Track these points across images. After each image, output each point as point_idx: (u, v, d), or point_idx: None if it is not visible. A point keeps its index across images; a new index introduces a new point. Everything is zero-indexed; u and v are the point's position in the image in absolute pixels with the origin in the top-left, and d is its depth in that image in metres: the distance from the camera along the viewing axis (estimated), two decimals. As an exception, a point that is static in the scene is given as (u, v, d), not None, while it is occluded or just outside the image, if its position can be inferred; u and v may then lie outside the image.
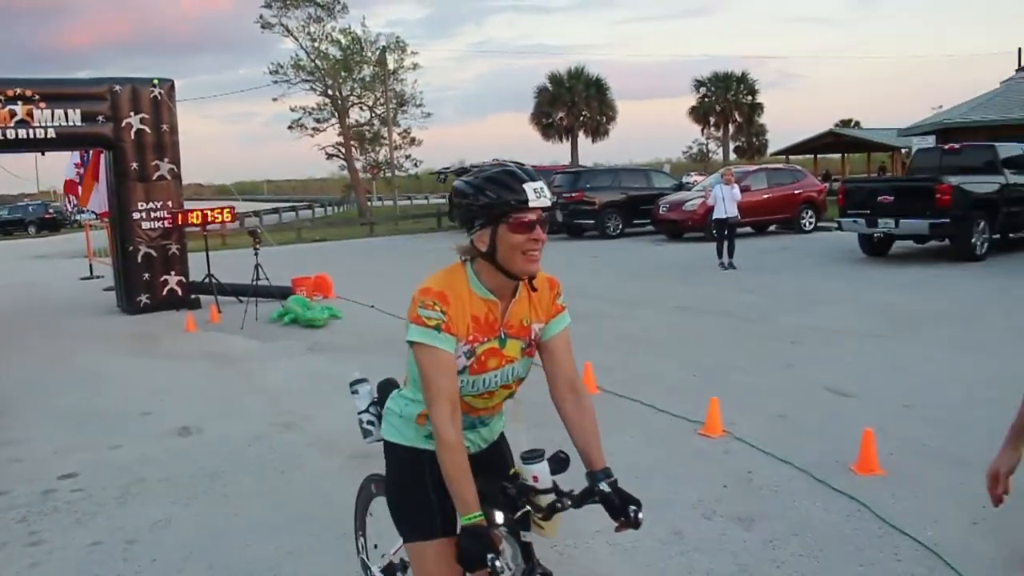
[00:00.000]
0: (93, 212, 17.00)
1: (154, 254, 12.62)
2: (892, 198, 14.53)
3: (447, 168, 34.07)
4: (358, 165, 43.31)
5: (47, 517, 4.84)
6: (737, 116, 56.65)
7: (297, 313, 10.94)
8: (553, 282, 2.51)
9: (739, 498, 4.61)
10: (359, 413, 3.03)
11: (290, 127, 41.94)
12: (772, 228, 22.21)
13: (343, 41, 40.31)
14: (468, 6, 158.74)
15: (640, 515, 2.27)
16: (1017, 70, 31.37)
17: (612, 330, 9.68)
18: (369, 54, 41.21)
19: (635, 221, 23.24)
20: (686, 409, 6.09)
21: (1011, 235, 15.00)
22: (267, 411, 6.86)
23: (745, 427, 5.82)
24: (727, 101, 55.62)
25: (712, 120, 57.73)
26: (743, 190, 17.33)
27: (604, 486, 2.31)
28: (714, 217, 15.97)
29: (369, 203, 43.80)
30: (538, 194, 2.22)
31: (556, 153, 70.59)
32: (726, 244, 15.33)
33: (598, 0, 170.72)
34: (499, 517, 2.31)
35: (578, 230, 23.23)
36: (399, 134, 43.09)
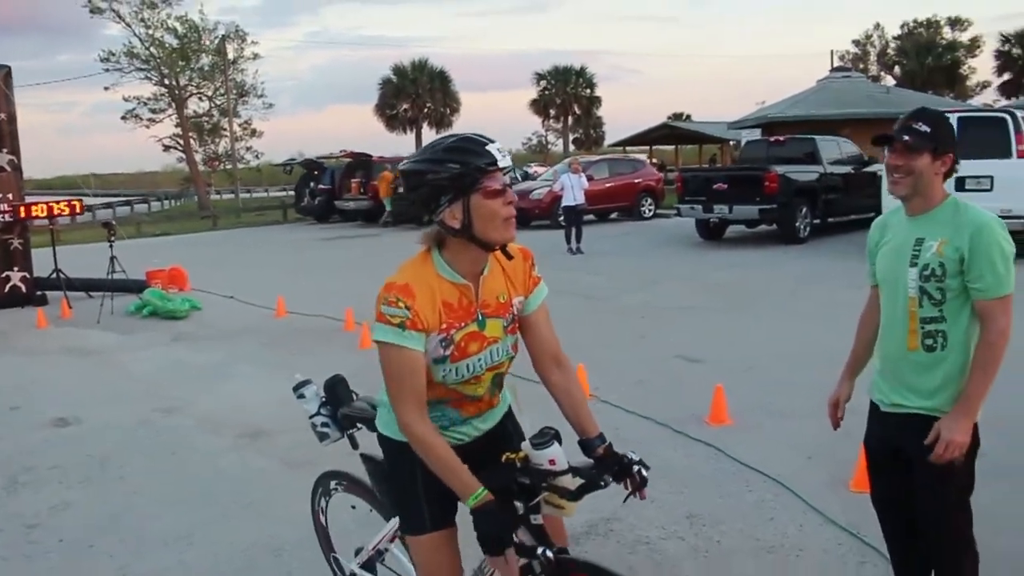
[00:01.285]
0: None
1: (-6, 249, 12.08)
2: (726, 186, 15.66)
3: (292, 160, 33.65)
4: (197, 157, 41.95)
5: (-66, 509, 4.81)
6: (576, 109, 58.13)
7: (156, 305, 10.80)
8: (526, 252, 2.42)
9: (610, 451, 5.12)
10: (311, 417, 2.95)
11: (124, 118, 40.09)
12: (613, 215, 23.21)
13: (179, 29, 38.91)
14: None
15: (645, 471, 2.26)
16: (831, 70, 34.03)
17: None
18: (207, 43, 39.97)
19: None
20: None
21: (829, 219, 16.41)
22: (145, 399, 6.89)
23: (608, 392, 6.38)
24: (567, 94, 57.02)
25: (552, 112, 59.05)
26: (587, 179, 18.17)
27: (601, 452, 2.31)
28: (563, 205, 16.69)
29: (208, 196, 42.42)
30: (502, 153, 2.16)
31: (400, 144, 70.37)
32: (574, 230, 16.07)
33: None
34: (519, 508, 2.21)
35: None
36: (240, 125, 42.09)
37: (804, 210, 15.71)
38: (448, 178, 2.12)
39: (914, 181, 2.63)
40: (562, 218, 17.39)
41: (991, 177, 11.63)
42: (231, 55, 40.25)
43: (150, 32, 38.42)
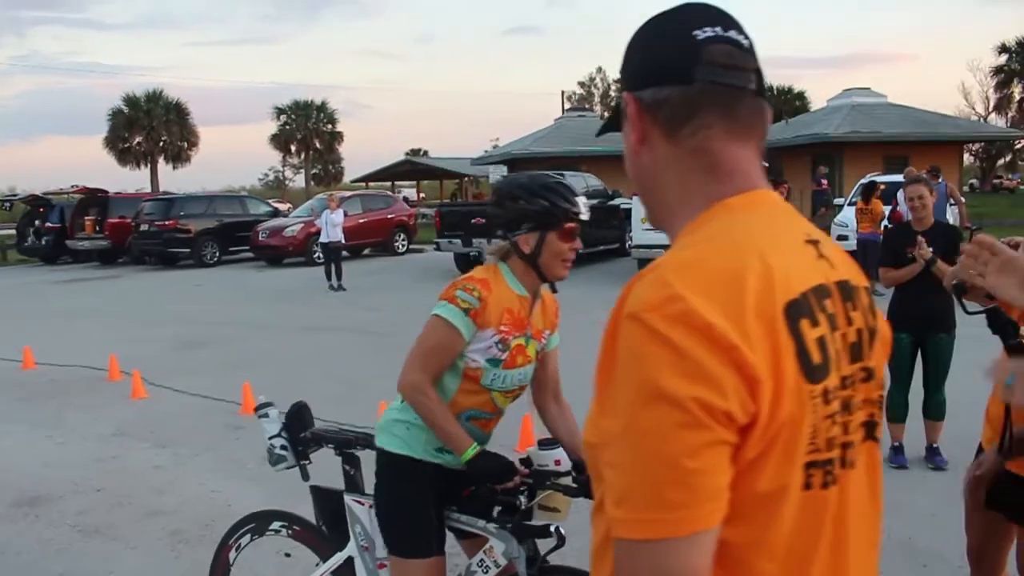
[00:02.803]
0: None
1: None
2: (484, 220, 16.19)
3: (11, 195, 30.84)
4: None
5: None
6: (318, 143, 57.51)
7: None
8: (554, 299, 2.68)
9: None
10: (271, 438, 2.89)
11: None
12: (366, 251, 23.05)
13: None
14: (5, 15, 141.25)
15: None
16: (567, 110, 36.23)
17: (250, 351, 9.84)
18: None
19: (231, 248, 22.97)
20: (351, 416, 6.55)
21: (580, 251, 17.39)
22: None
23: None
24: (308, 129, 56.27)
25: (293, 147, 58.05)
26: (342, 215, 18.16)
27: None
28: (320, 241, 16.58)
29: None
30: (586, 208, 2.46)
31: (135, 179, 66.28)
32: (333, 267, 15.96)
33: (158, 21, 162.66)
34: (523, 502, 2.38)
35: (172, 259, 22.41)
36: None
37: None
38: (535, 211, 2.40)
39: None
40: (318, 255, 17.22)
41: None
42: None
43: None
